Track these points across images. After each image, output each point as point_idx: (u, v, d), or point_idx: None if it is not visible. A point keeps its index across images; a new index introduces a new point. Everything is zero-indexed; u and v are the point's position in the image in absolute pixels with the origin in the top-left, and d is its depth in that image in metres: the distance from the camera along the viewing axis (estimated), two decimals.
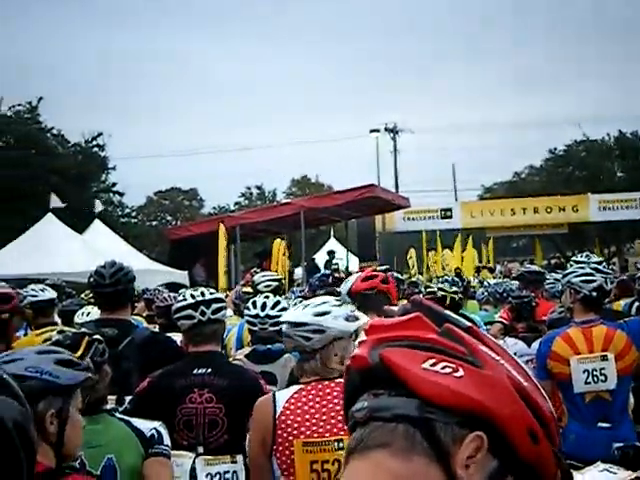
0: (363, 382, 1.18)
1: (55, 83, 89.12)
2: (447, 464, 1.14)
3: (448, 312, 1.25)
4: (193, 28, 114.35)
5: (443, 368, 1.15)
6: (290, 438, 3.55)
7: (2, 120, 40.50)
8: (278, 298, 6.12)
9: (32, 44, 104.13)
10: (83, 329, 3.42)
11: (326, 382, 3.61)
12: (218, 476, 4.35)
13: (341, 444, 3.48)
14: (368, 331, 1.23)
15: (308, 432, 3.55)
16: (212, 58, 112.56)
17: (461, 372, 1.16)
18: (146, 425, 3.44)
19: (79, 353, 3.08)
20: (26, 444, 1.16)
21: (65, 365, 2.50)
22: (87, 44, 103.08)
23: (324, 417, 3.55)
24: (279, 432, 3.57)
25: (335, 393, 3.57)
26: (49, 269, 16.55)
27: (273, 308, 5.82)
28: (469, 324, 1.22)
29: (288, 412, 3.59)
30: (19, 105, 41.70)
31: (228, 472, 4.35)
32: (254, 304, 5.94)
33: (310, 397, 3.61)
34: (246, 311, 6.03)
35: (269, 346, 5.67)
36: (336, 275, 15.67)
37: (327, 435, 3.53)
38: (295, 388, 3.69)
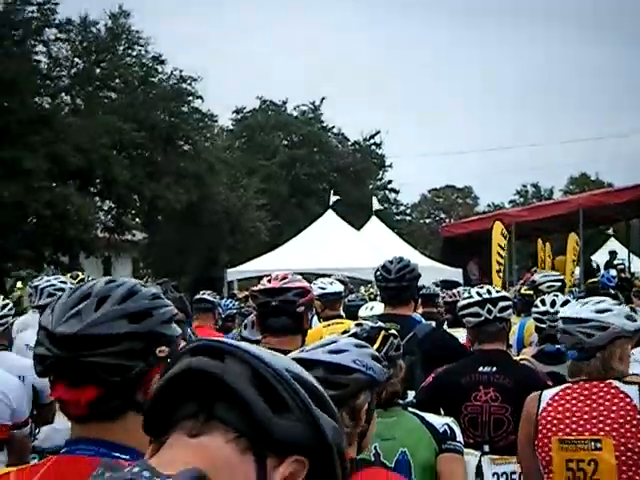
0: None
1: (336, 82, 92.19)
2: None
3: None
4: (472, 27, 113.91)
5: None
6: (549, 435, 3.50)
7: (287, 120, 42.40)
8: (567, 297, 5.99)
9: (310, 46, 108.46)
10: (379, 323, 3.49)
11: (595, 382, 3.50)
12: (505, 476, 4.31)
13: (598, 444, 3.38)
14: None
15: (567, 429, 3.47)
16: (492, 59, 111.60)
17: None
18: (438, 420, 3.47)
19: (375, 347, 3.15)
20: (342, 462, 1.19)
21: (377, 360, 2.58)
22: (368, 42, 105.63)
23: (585, 416, 3.45)
24: (540, 428, 3.53)
25: (602, 393, 3.46)
26: (330, 265, 17.09)
27: (563, 306, 5.68)
28: None
29: (550, 409, 3.53)
30: (303, 105, 43.47)
31: (515, 473, 4.30)
32: (543, 301, 5.87)
33: (575, 395, 3.52)
34: (534, 308, 5.96)
35: (558, 346, 5.53)
36: (622, 276, 15.05)
37: (585, 434, 3.43)
38: (562, 386, 3.61)
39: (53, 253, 23.85)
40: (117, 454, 1.73)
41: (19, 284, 24.11)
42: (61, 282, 6.38)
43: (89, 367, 1.72)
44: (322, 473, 1.15)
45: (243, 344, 1.18)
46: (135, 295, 1.82)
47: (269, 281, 4.24)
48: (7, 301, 5.57)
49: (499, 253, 18.62)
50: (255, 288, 4.35)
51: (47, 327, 1.77)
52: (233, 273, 21.37)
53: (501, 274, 18.33)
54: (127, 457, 1.72)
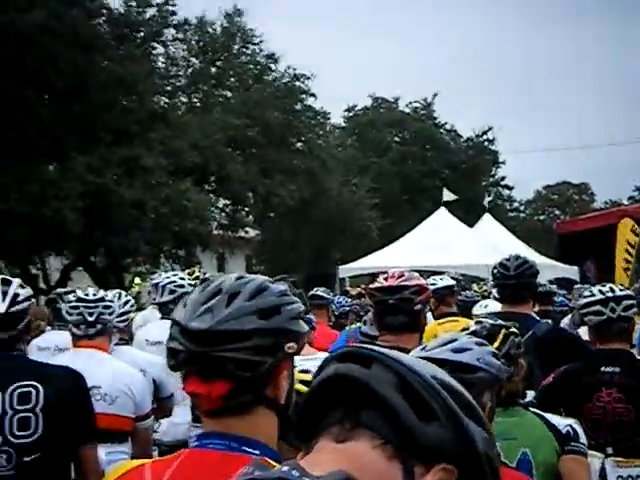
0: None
1: (449, 79, 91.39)
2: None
3: None
4: (583, 25, 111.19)
5: None
6: None
7: (399, 117, 42.32)
8: None
9: (422, 43, 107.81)
10: (499, 321, 3.45)
11: None
12: (630, 479, 4.20)
13: None
14: None
15: None
16: (606, 55, 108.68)
17: None
18: (561, 421, 3.40)
19: (495, 345, 3.12)
20: (493, 473, 1.17)
21: (496, 358, 2.55)
22: (480, 40, 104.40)
23: None
24: None
25: None
26: (442, 262, 16.99)
27: None
28: None
29: None
30: (415, 102, 43.28)
31: None
32: None
33: None
34: None
35: None
36: None
37: None
38: None
39: (171, 248, 24.40)
40: (247, 449, 1.76)
41: (137, 280, 24.78)
42: (180, 279, 6.53)
43: (220, 362, 1.75)
44: None
45: (390, 351, 1.18)
46: (264, 292, 1.85)
47: (386, 279, 4.23)
48: (129, 297, 5.73)
49: (627, 250, 18.02)
50: (372, 286, 4.35)
51: (180, 322, 1.81)
52: (345, 270, 21.45)
53: (629, 272, 17.74)
54: (257, 452, 1.74)
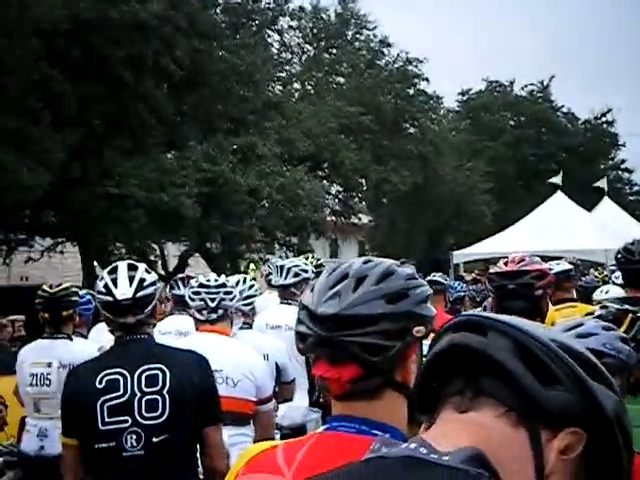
0: None
1: (565, 61, 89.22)
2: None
3: None
4: None
5: None
6: None
7: (514, 100, 41.58)
8: None
9: (537, 25, 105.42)
10: (626, 306, 3.35)
11: None
12: None
13: None
14: None
15: None
16: None
17: None
18: None
19: (622, 329, 3.04)
20: (625, 439, 1.13)
21: (625, 343, 2.49)
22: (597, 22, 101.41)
23: None
24: None
25: None
26: (559, 247, 16.63)
27: None
28: None
29: None
30: (531, 85, 42.44)
31: None
32: None
33: None
34: None
35: None
36: None
37: None
38: None
39: (285, 235, 24.66)
40: (377, 432, 1.76)
41: (252, 266, 25.13)
42: (304, 264, 6.61)
43: (348, 346, 1.76)
44: (603, 448, 1.10)
45: (504, 317, 1.16)
46: (392, 275, 1.84)
47: (505, 264, 4.17)
48: (253, 282, 5.82)
49: None
50: (492, 270, 4.29)
51: (308, 306, 1.83)
52: (459, 256, 21.26)
53: None
54: (387, 435, 1.74)
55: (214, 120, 21.63)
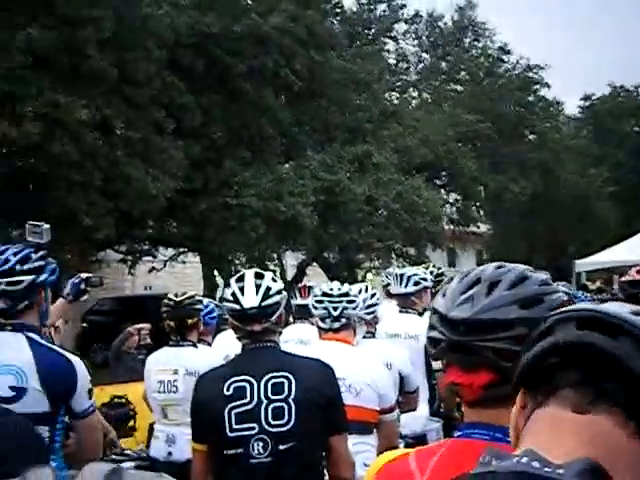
0: None
1: None
2: None
3: None
4: None
5: None
6: None
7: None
8: None
9: None
10: None
11: None
12: None
13: None
14: None
15: None
16: None
17: None
18: None
19: None
20: None
21: None
22: None
23: None
24: None
25: None
26: None
27: None
28: None
29: None
30: None
31: None
32: None
33: None
34: None
35: None
36: None
37: None
38: None
39: (402, 245, 24.61)
40: None
41: (369, 275, 25.15)
42: (423, 273, 6.56)
43: (481, 351, 1.73)
44: None
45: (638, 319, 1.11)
46: (526, 280, 1.80)
47: (638, 272, 4.07)
48: (375, 291, 5.81)
49: None
50: (624, 279, 4.19)
51: (440, 311, 1.81)
52: (582, 264, 20.75)
53: None
54: None
55: (331, 129, 21.81)
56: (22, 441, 1.96)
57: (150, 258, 23.83)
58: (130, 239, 21.05)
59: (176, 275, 27.70)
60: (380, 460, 1.89)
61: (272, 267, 24.19)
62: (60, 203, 15.00)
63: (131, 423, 7.47)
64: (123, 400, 7.55)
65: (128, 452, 5.92)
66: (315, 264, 25.43)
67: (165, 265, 24.38)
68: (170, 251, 24.03)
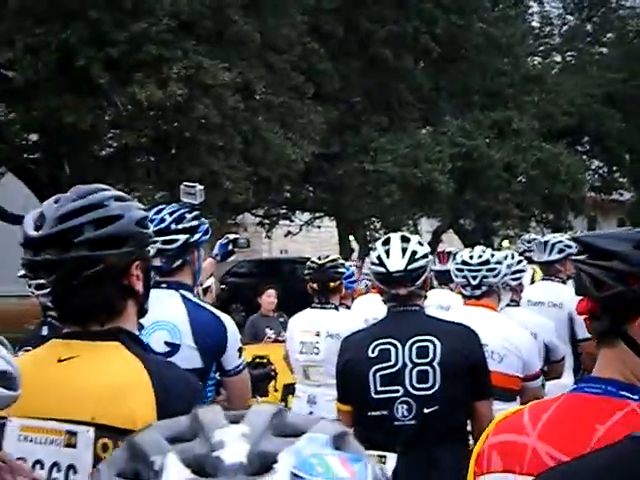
0: None
1: None
2: None
3: None
4: None
5: None
6: None
7: None
8: None
9: None
10: None
11: None
12: None
13: None
14: None
15: None
16: None
17: None
18: None
19: None
20: None
21: None
22: None
23: None
24: None
25: None
26: None
27: None
28: None
29: None
30: None
31: None
32: None
33: None
34: None
35: None
36: None
37: None
38: None
39: (541, 212, 24.13)
40: (625, 393, 1.73)
41: (505, 243, 24.75)
42: (567, 239, 6.43)
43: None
44: None
45: None
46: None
47: None
48: (521, 257, 5.72)
49: None
50: None
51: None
52: None
53: None
54: (636, 397, 1.72)
55: (471, 95, 21.51)
56: (191, 395, 2.02)
57: (286, 222, 24.16)
58: (267, 203, 21.38)
59: (312, 239, 28.00)
60: (499, 416, 1.94)
61: (407, 233, 24.14)
62: (202, 166, 15.35)
63: (272, 384, 7.63)
64: (264, 360, 7.72)
65: None
66: (450, 231, 25.21)
67: (301, 229, 24.66)
68: (306, 215, 24.28)
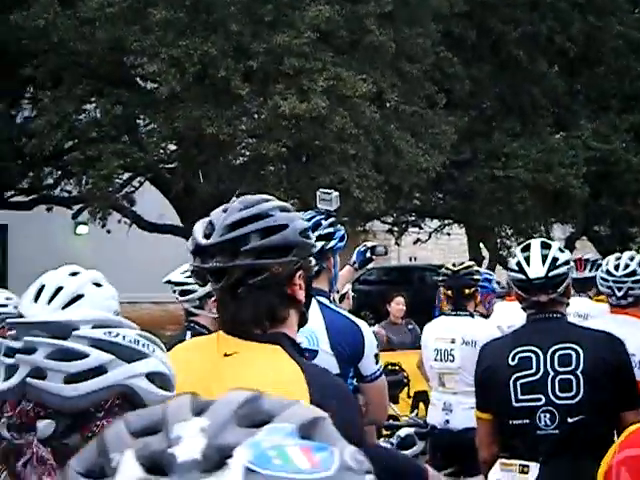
0: None
1: None
2: None
3: None
4: None
5: None
6: None
7: None
8: None
9: None
10: None
11: None
12: None
13: None
14: None
15: None
16: None
17: None
18: None
19: None
20: None
21: None
22: None
23: None
24: None
25: None
26: None
27: None
28: None
29: None
30: None
31: None
32: None
33: None
34: None
35: None
36: None
37: None
38: None
39: None
40: None
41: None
42: None
43: None
44: None
45: None
46: None
47: None
48: None
49: None
50: None
51: None
52: None
53: None
54: None
55: (607, 98, 20.95)
56: (342, 402, 2.05)
57: (415, 229, 24.06)
58: (397, 210, 21.36)
59: (441, 247, 27.80)
60: (630, 428, 1.87)
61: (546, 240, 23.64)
62: (334, 174, 15.47)
63: (404, 391, 7.63)
64: (396, 367, 7.73)
65: (405, 418, 6.05)
66: (584, 237, 24.60)
67: (430, 236, 24.52)
68: (435, 222, 24.13)
